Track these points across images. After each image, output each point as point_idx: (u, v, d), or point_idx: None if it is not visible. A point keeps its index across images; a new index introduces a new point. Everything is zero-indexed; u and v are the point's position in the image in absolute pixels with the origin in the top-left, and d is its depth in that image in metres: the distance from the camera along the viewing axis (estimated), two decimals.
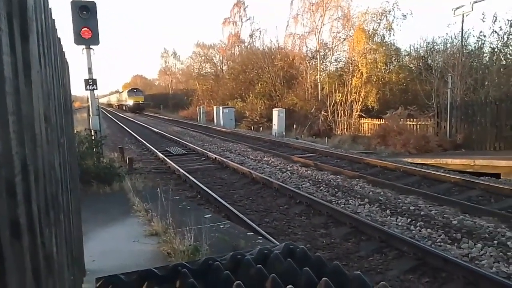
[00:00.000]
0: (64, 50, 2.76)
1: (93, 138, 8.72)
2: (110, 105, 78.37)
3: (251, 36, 38.10)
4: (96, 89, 9.08)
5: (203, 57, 43.77)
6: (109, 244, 4.31)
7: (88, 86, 8.92)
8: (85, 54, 8.69)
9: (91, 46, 8.67)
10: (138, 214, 5.35)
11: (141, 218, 5.14)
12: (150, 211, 4.99)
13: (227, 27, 40.65)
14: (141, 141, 16.47)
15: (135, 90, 52.79)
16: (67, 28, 8.24)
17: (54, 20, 2.03)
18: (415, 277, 4.20)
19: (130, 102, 49.84)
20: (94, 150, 8.41)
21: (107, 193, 7.02)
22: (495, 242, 4.86)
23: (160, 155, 12.34)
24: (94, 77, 8.98)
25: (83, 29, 8.21)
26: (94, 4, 8.27)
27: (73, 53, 12.75)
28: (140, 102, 50.45)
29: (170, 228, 4.07)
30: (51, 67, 1.79)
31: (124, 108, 55.21)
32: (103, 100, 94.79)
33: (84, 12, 8.13)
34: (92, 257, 3.84)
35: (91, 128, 9.08)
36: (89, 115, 9.29)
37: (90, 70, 8.89)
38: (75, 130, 7.74)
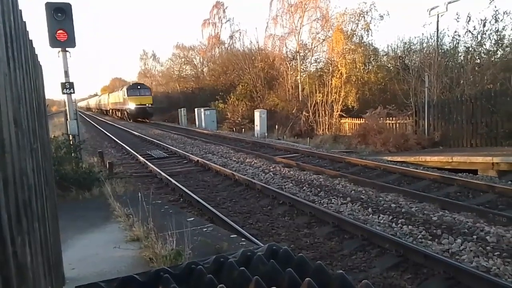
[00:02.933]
0: (37, 53, 2.68)
1: (71, 142, 8.53)
2: (97, 109, 66.97)
3: (231, 37, 38.10)
4: (73, 92, 8.88)
5: (183, 59, 43.48)
6: (89, 251, 4.21)
7: (64, 89, 8.71)
8: (61, 57, 8.49)
9: (67, 49, 8.48)
10: (119, 219, 5.24)
11: (122, 224, 5.04)
12: (131, 216, 4.89)
13: (206, 28, 40.51)
14: (121, 145, 16.21)
15: (138, 87, 34.88)
16: (43, 30, 8.03)
17: (25, 22, 1.97)
18: (398, 273, 4.25)
19: (132, 105, 33.26)
20: (73, 155, 8.22)
21: (86, 198, 6.87)
22: (474, 237, 4.96)
23: (141, 158, 12.17)
24: (71, 81, 8.78)
25: (59, 32, 8.01)
26: (69, 5, 8.08)
27: (49, 56, 12.49)
28: (148, 105, 33.79)
29: (152, 233, 4.00)
30: (22, 70, 1.72)
31: (119, 114, 39.38)
32: (82, 104, 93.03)
33: (59, 14, 7.93)
34: (71, 265, 3.74)
35: (69, 132, 8.88)
36: (67, 120, 9.08)
37: (66, 74, 8.68)
38: (52, 135, 7.57)
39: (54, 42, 8.08)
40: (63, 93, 8.78)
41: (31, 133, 1.85)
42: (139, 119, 34.67)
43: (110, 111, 47.35)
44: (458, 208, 6.11)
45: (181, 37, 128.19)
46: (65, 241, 4.08)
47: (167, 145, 15.56)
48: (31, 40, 2.27)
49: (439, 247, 4.74)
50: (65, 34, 8.09)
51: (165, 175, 9.36)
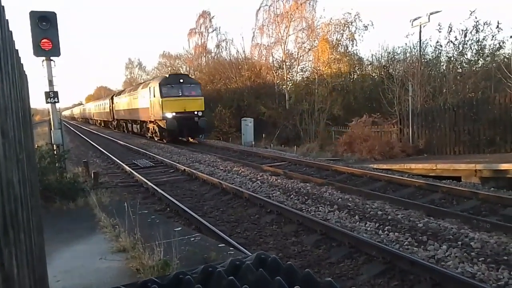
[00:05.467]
0: (22, 62, 2.66)
1: (55, 152, 8.41)
2: (82, 119, 59.67)
3: (217, 46, 38.23)
4: (58, 102, 8.78)
5: (169, 68, 43.37)
6: (75, 263, 4.13)
7: (49, 99, 8.61)
8: (45, 66, 8.40)
9: (51, 58, 8.40)
10: (105, 230, 5.17)
11: (107, 234, 4.97)
12: (117, 226, 4.83)
13: (193, 37, 40.53)
14: (106, 155, 16.02)
15: (181, 80, 20.47)
16: (26, 38, 7.94)
17: (11, 31, 1.95)
18: (385, 280, 4.28)
19: (168, 114, 19.56)
20: (57, 165, 8.11)
21: (71, 209, 6.76)
22: (459, 243, 5.04)
23: (127, 168, 12.04)
24: (55, 90, 8.68)
25: (43, 40, 7.95)
26: (54, 14, 8.03)
27: (33, 65, 12.32)
28: (197, 113, 20.08)
29: (139, 243, 3.95)
30: (9, 80, 1.71)
31: (132, 129, 26.56)
32: (66, 113, 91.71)
33: (44, 23, 7.88)
34: (56, 277, 3.67)
35: (53, 142, 8.75)
36: (51, 129, 8.95)
37: (51, 83, 8.59)
38: (36, 145, 7.44)
39: (39, 51, 8.01)
40: (47, 102, 8.67)
41: (17, 143, 1.83)
42: (181, 138, 20.49)
43: (113, 123, 33.69)
44: (443, 215, 6.20)
45: (167, 46, 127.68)
46: (50, 253, 4.00)
47: (153, 154, 15.44)
48: (17, 50, 2.26)
49: (425, 254, 4.80)
50: (50, 43, 8.03)
51: (151, 184, 9.27)
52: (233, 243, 5.17)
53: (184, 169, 11.49)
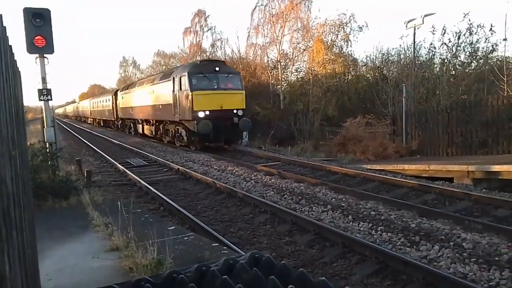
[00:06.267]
0: (16, 59, 2.63)
1: (47, 150, 8.34)
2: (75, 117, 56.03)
3: (212, 46, 38.04)
4: (51, 99, 8.71)
5: (164, 67, 43.22)
6: (67, 262, 4.10)
7: (42, 96, 8.54)
8: (39, 63, 8.33)
9: (45, 55, 8.34)
10: (98, 228, 5.14)
11: (100, 233, 4.94)
12: (110, 225, 4.81)
13: (188, 36, 40.36)
14: (99, 153, 15.92)
15: (216, 68, 15.32)
16: (20, 35, 7.87)
17: (5, 27, 1.93)
18: (378, 280, 4.30)
19: (200, 113, 14.61)
20: (49, 163, 8.04)
21: (63, 207, 6.71)
22: (451, 243, 5.07)
23: (120, 167, 11.97)
24: (48, 87, 8.61)
25: (37, 37, 7.88)
26: (48, 11, 7.96)
27: (26, 62, 12.21)
28: (237, 111, 15.26)
29: (132, 242, 3.93)
30: (2, 77, 1.70)
31: (150, 132, 20.88)
32: (59, 111, 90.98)
33: (38, 20, 7.80)
34: (48, 275, 3.64)
35: (45, 140, 8.68)
36: (44, 127, 8.88)
37: (44, 80, 8.52)
38: (28, 143, 7.38)
39: (32, 48, 7.94)
40: (40, 99, 8.60)
41: (9, 140, 1.81)
42: (212, 143, 15.79)
43: (116, 122, 29.97)
44: (435, 216, 6.24)
45: (162, 45, 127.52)
46: (42, 251, 3.97)
47: (147, 153, 15.36)
48: (11, 46, 2.24)
49: (417, 254, 4.83)
50: (43, 40, 7.96)
51: (145, 183, 9.23)
52: (227, 243, 5.16)
53: (178, 168, 11.45)
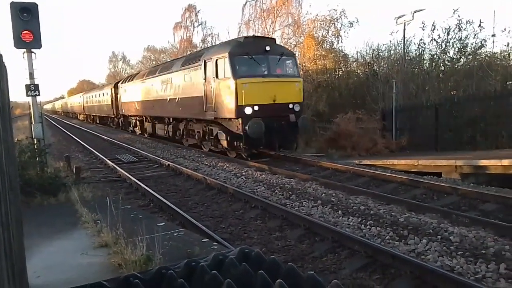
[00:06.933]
0: (2, 53, 2.59)
1: (35, 147, 8.24)
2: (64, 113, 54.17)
3: (203, 41, 37.86)
4: (39, 95, 8.60)
5: (154, 62, 42.90)
6: (55, 258, 4.07)
7: (29, 92, 8.42)
8: (26, 58, 8.21)
9: (32, 50, 8.22)
10: (87, 225, 5.10)
11: (89, 230, 4.91)
12: (99, 221, 4.78)
13: (178, 31, 40.10)
14: (89, 149, 15.79)
15: (267, 48, 11.54)
16: (7, 30, 7.75)
17: None
18: (366, 274, 4.35)
19: (248, 108, 10.96)
20: (37, 159, 7.95)
21: (52, 204, 6.64)
22: (439, 237, 5.14)
23: (110, 163, 11.89)
24: (36, 83, 8.50)
25: (24, 32, 7.75)
26: (35, 5, 7.85)
27: (12, 57, 12.03)
28: (293, 106, 11.72)
29: (121, 238, 3.92)
30: None
31: (165, 132, 17.31)
32: (47, 107, 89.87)
33: (25, 14, 7.68)
34: (36, 272, 3.61)
35: (33, 136, 8.58)
36: (31, 123, 8.77)
37: (31, 75, 8.40)
38: (16, 139, 7.29)
39: (19, 42, 7.82)
40: (28, 95, 8.48)
41: None
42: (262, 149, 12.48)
43: (117, 120, 26.75)
44: (423, 210, 6.31)
45: (152, 40, 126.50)
46: (30, 248, 3.93)
47: (137, 149, 15.28)
48: None
49: (405, 248, 4.88)
50: (31, 34, 7.85)
51: (134, 179, 9.19)
52: (217, 238, 5.17)
53: (169, 164, 11.41)
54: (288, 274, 2.43)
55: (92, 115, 36.61)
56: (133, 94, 21.36)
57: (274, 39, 14.72)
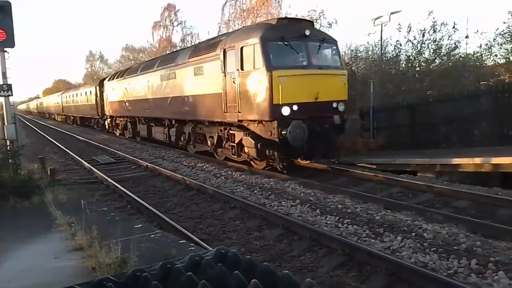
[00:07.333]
0: None
1: (8, 148, 8.02)
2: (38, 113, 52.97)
3: (182, 40, 37.64)
4: (12, 95, 8.40)
5: (132, 61, 42.29)
6: (28, 263, 3.97)
7: (2, 92, 8.20)
8: None
9: (5, 49, 8.02)
10: (61, 228, 4.99)
11: (64, 233, 4.81)
12: (73, 224, 4.68)
13: (157, 31, 39.69)
14: (64, 151, 15.46)
15: (306, 32, 9.29)
16: None
17: None
18: (343, 272, 4.41)
19: (286, 108, 8.71)
20: (10, 161, 7.74)
21: (26, 207, 6.48)
22: (413, 234, 5.26)
23: (86, 164, 11.68)
24: (9, 82, 8.29)
25: None
26: (8, 4, 7.69)
27: None
28: (337, 104, 9.74)
29: (95, 241, 3.85)
30: None
31: (165, 137, 14.90)
32: (21, 107, 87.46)
33: None
34: (7, 277, 3.52)
35: (6, 137, 8.34)
36: (4, 124, 8.53)
37: (4, 75, 8.20)
38: None
39: None
40: (0, 95, 8.26)
41: None
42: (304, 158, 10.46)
43: (102, 121, 24.50)
44: (399, 208, 6.45)
45: (130, 39, 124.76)
46: (3, 252, 3.83)
47: (115, 150, 15.04)
48: None
49: (381, 245, 4.97)
50: (4, 33, 7.70)
51: (111, 181, 9.05)
52: (195, 239, 5.14)
53: (147, 165, 11.28)
54: (264, 274, 2.44)
55: (72, 116, 34.40)
56: (123, 92, 19.04)
57: (312, 21, 11.88)
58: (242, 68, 9.50)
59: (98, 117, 25.03)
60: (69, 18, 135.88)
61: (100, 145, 16.99)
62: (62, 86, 69.28)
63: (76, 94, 30.96)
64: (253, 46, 9.18)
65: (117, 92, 20.14)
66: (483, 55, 16.88)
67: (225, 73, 10.15)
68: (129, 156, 13.38)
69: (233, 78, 9.78)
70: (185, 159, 12.62)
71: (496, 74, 15.67)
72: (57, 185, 8.07)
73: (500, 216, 6.06)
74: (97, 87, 24.09)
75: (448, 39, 17.35)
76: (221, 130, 11.15)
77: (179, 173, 10.14)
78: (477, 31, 17.09)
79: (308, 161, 10.34)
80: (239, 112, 9.65)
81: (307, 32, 9.31)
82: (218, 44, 10.78)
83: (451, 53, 17.96)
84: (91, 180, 9.98)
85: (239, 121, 9.84)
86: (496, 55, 15.58)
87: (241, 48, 9.52)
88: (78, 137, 21.58)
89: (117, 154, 14.20)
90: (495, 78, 15.49)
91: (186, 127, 13.34)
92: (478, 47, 17.20)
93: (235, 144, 10.39)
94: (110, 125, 22.99)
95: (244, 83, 9.47)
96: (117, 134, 21.84)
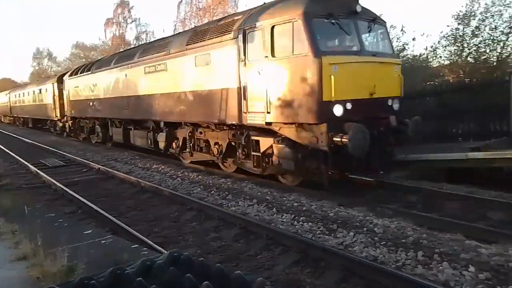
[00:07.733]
0: None
1: None
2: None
3: (137, 38, 36.74)
4: None
5: (83, 59, 40.63)
6: None
7: None
8: None
9: None
10: (4, 236, 4.69)
11: (6, 241, 4.51)
12: (17, 232, 4.42)
13: (110, 28, 38.46)
14: (9, 154, 14.57)
15: (358, 9, 7.30)
16: None
17: None
18: (299, 269, 4.48)
19: (339, 107, 6.64)
20: None
21: None
22: (365, 229, 5.44)
23: (33, 168, 11.08)
24: None
25: None
26: None
27: None
28: (392, 100, 7.54)
29: (40, 249, 3.65)
30: None
31: (167, 144, 11.39)
32: None
33: None
34: None
35: None
36: None
37: None
38: None
39: None
40: None
41: None
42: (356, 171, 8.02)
43: (60, 124, 21.59)
44: (352, 204, 6.65)
45: (81, 36, 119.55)
46: None
47: (64, 153, 14.37)
48: None
49: (335, 241, 5.11)
50: None
51: (60, 185, 8.64)
52: (149, 243, 5.02)
53: (99, 168, 10.88)
54: (217, 276, 2.43)
55: (23, 118, 30.36)
56: (90, 90, 16.10)
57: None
58: (273, 55, 7.34)
59: (56, 119, 21.77)
60: (13, 12, 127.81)
61: (49, 148, 16.17)
62: (8, 85, 65.28)
63: (28, 92, 27.67)
64: (291, 24, 6.98)
65: (81, 89, 17.20)
66: (428, 56, 17.77)
67: (245, 62, 7.90)
68: (79, 158, 12.86)
69: (258, 68, 7.63)
70: (140, 161, 12.30)
71: (441, 75, 16.57)
72: (0, 191, 7.58)
73: (446, 209, 6.41)
74: (55, 84, 21.03)
75: (397, 41, 18.13)
76: (234, 136, 8.96)
77: (133, 175, 9.87)
78: (423, 33, 18.00)
79: (364, 175, 8.14)
80: (268, 113, 7.47)
81: (358, 9, 7.40)
82: (232, 25, 8.41)
83: (400, 54, 18.80)
84: (38, 184, 9.46)
85: (267, 124, 7.59)
86: (440, 57, 16.46)
87: (272, 28, 7.34)
88: (24, 139, 20.41)
89: (67, 156, 13.60)
90: (439, 78, 16.37)
91: (181, 131, 10.86)
92: (424, 49, 18.13)
93: (259, 154, 8.12)
94: (71, 128, 20.00)
95: (277, 74, 7.28)
96: (81, 139, 19.14)
